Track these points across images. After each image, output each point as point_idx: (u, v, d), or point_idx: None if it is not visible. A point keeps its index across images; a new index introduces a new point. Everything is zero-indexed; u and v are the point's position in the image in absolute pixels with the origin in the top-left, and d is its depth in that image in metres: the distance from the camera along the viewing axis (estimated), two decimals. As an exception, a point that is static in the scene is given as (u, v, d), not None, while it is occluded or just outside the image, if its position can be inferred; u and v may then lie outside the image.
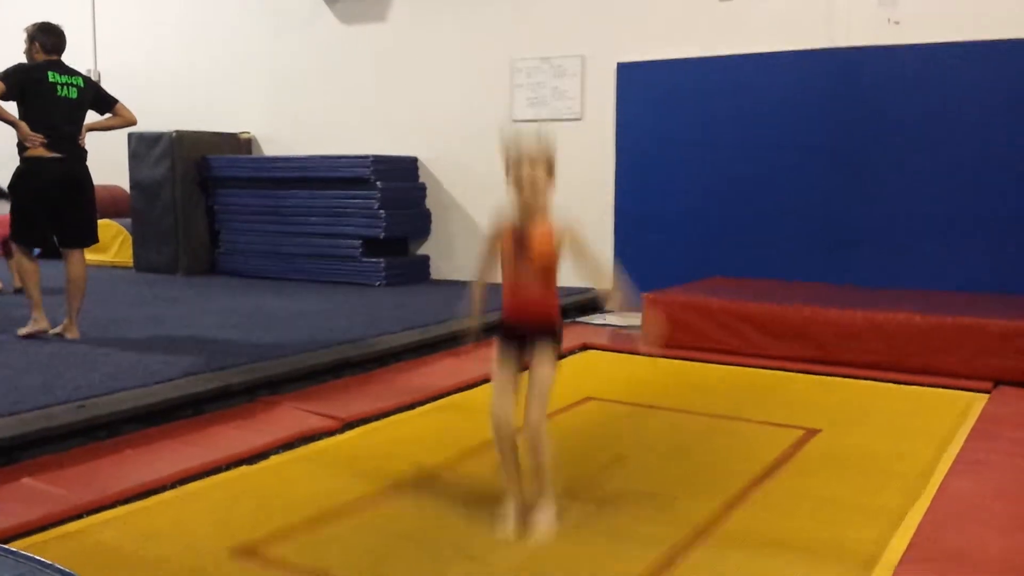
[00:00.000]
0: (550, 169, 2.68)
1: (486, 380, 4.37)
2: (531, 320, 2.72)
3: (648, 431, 3.75)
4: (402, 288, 7.02)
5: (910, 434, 3.63)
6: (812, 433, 3.61)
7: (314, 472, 3.18)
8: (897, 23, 5.78)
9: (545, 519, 2.66)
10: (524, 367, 2.75)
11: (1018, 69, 5.45)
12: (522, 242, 2.64)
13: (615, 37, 6.72)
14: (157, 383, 3.73)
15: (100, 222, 8.59)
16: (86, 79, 4.98)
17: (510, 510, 2.69)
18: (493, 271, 2.80)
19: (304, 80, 8.29)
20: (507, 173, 2.64)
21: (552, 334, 2.74)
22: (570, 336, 5.61)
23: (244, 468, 3.17)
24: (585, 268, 2.74)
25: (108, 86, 9.95)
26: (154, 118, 8.64)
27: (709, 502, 2.87)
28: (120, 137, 8.22)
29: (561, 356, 2.83)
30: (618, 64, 6.68)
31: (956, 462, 3.19)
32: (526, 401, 2.69)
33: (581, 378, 4.64)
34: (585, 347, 5.34)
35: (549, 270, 2.68)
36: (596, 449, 3.47)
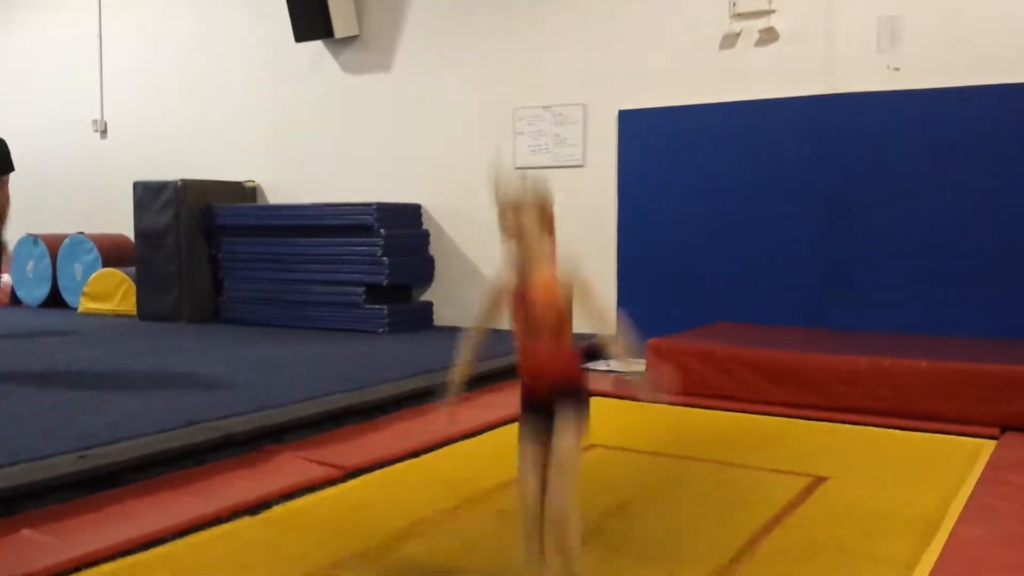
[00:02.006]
0: (544, 216, 2.50)
1: (489, 428, 4.39)
2: (548, 382, 2.53)
3: (654, 479, 3.72)
4: (405, 335, 7.01)
5: (918, 481, 3.59)
6: (820, 481, 3.58)
7: (316, 522, 3.14)
8: (897, 69, 5.85)
9: None
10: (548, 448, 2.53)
11: (1017, 113, 5.49)
12: (525, 297, 2.50)
13: (616, 85, 6.80)
14: (159, 432, 3.71)
15: (104, 270, 8.69)
16: None
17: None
18: (491, 323, 2.65)
19: (308, 129, 8.38)
20: (499, 224, 2.49)
21: (574, 398, 2.53)
22: (574, 383, 5.58)
23: (246, 519, 3.14)
24: (589, 314, 2.55)
25: (115, 136, 9.98)
26: (160, 167, 8.77)
27: (718, 550, 2.83)
28: (126, 186, 8.31)
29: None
30: (619, 111, 6.75)
31: (965, 509, 3.15)
32: (547, 480, 2.48)
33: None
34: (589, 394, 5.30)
35: (558, 323, 2.51)
36: (602, 496, 3.43)
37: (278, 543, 2.94)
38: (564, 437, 2.50)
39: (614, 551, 2.85)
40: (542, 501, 2.50)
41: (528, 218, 2.46)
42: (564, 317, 2.49)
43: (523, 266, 2.46)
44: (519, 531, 2.55)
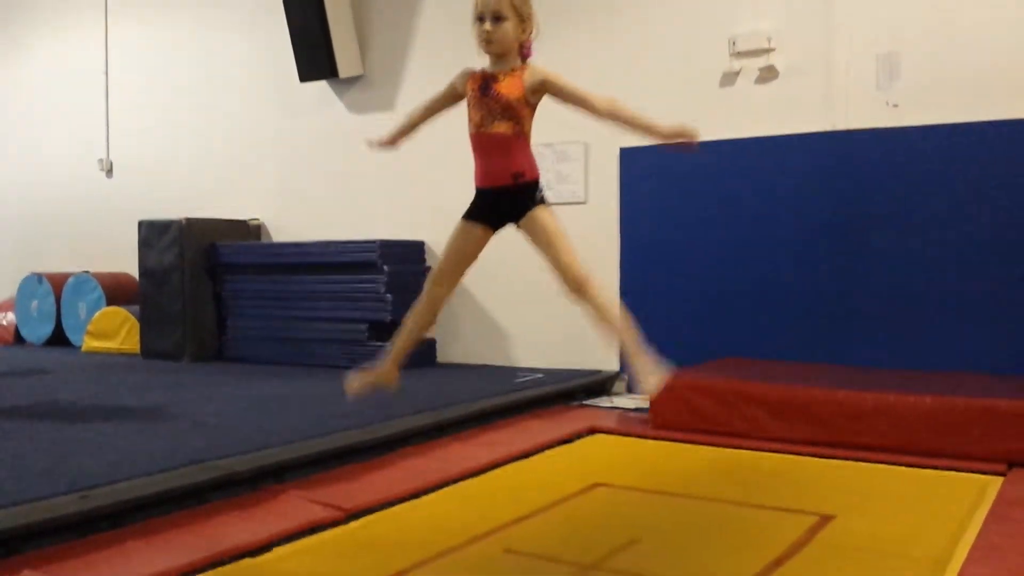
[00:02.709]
0: (520, 15, 2.62)
1: (496, 466, 4.37)
2: (505, 174, 2.59)
3: (660, 517, 3.69)
4: (408, 372, 6.93)
5: (925, 518, 3.56)
6: (826, 519, 3.55)
7: (317, 565, 3.12)
8: (896, 106, 5.89)
9: (652, 380, 2.60)
10: (485, 243, 2.64)
11: (1018, 148, 5.52)
12: (488, 85, 2.56)
13: (617, 123, 6.83)
14: (161, 472, 3.69)
15: (108, 309, 8.70)
16: None
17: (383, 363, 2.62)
18: (437, 110, 2.75)
19: (313, 167, 8.44)
20: (475, 23, 2.64)
21: (532, 195, 2.60)
22: (576, 420, 5.57)
23: (247, 560, 3.12)
24: (572, 100, 2.64)
25: (120, 175, 10.10)
26: (165, 206, 8.82)
27: (722, 592, 2.80)
28: (131, 225, 8.36)
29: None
30: (621, 149, 6.79)
31: (973, 548, 3.11)
32: (549, 257, 2.57)
33: (588, 463, 4.59)
34: (592, 431, 5.29)
35: (518, 116, 2.57)
36: (608, 534, 3.41)
37: (279, 585, 2.91)
38: (540, 217, 2.64)
39: (619, 592, 2.82)
40: (451, 275, 2.60)
41: (502, 20, 2.56)
42: (525, 110, 2.57)
43: (495, 66, 2.56)
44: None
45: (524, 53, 2.87)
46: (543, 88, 2.57)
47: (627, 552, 3.21)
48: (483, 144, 2.61)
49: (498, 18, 2.69)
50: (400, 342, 2.89)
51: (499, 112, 2.59)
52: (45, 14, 10.39)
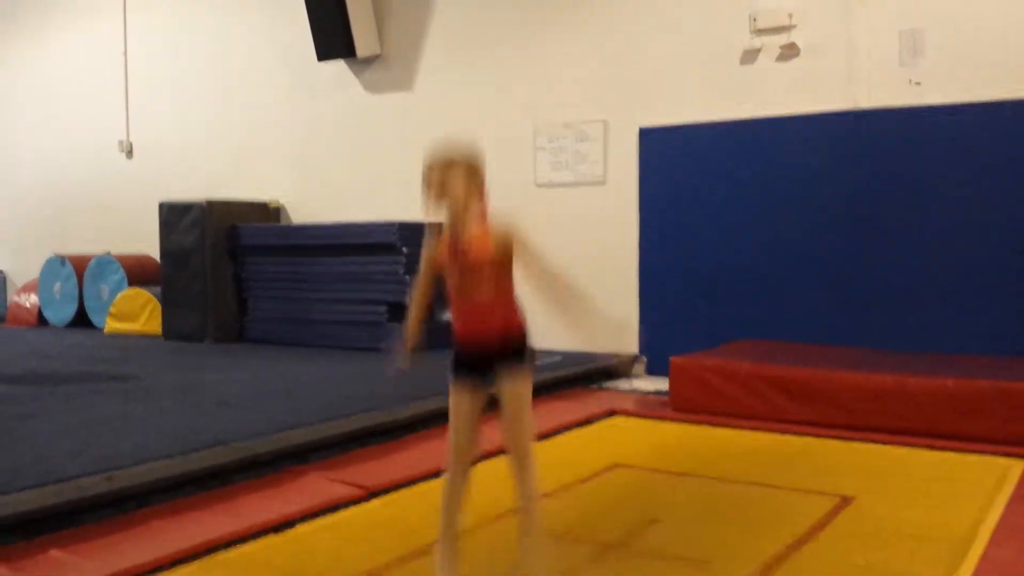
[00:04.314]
0: (471, 174, 2.51)
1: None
2: (489, 337, 2.51)
3: (678, 498, 3.70)
4: (427, 353, 7.00)
5: (946, 501, 3.55)
6: (846, 501, 3.54)
7: (339, 542, 3.15)
8: (918, 84, 5.82)
9: (539, 563, 2.52)
10: (486, 402, 2.58)
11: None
12: (457, 250, 2.48)
13: (636, 103, 6.81)
14: (185, 453, 3.73)
15: (130, 290, 8.78)
16: None
17: (448, 553, 2.60)
18: (430, 292, 2.67)
19: (332, 148, 8.44)
20: (425, 188, 2.50)
21: (519, 353, 2.52)
22: (596, 402, 5.58)
23: (270, 538, 3.16)
24: (531, 271, 2.48)
25: (141, 157, 10.16)
26: (185, 187, 8.87)
27: (745, 568, 2.81)
28: (152, 206, 8.41)
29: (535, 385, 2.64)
30: (640, 129, 6.75)
31: (997, 530, 3.11)
32: (504, 426, 2.51)
33: (608, 445, 4.59)
34: (612, 412, 5.30)
35: (496, 275, 2.47)
36: (627, 514, 3.42)
37: (302, 562, 2.95)
38: (515, 384, 2.54)
39: (642, 565, 2.83)
40: (469, 452, 2.57)
41: (454, 175, 2.48)
42: (502, 270, 2.48)
43: (454, 223, 2.47)
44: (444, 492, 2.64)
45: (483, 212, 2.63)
46: (513, 247, 2.43)
47: (647, 532, 3.22)
48: (464, 309, 2.51)
49: (450, 170, 2.52)
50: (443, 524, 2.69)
51: (477, 278, 2.48)
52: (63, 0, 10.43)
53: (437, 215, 2.53)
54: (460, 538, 2.67)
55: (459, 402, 2.63)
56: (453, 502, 2.66)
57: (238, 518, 3.26)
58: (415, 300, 2.75)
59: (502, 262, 2.49)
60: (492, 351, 2.55)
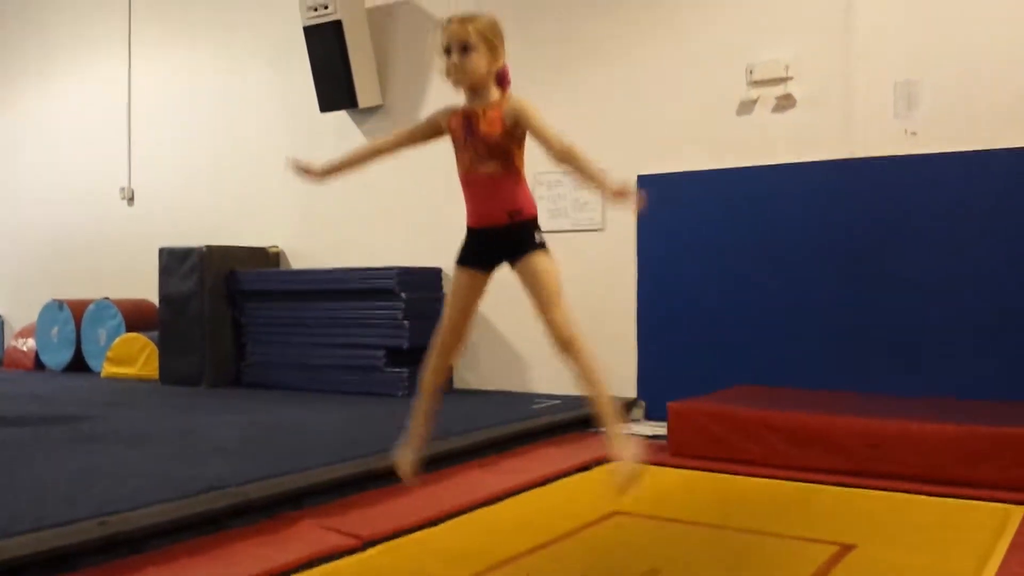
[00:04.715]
0: (490, 47, 2.50)
1: (513, 493, 4.35)
2: (498, 214, 2.49)
3: (679, 546, 3.66)
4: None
5: (948, 548, 3.52)
6: (847, 549, 3.51)
7: (336, 591, 3.11)
8: (914, 134, 5.89)
9: (626, 453, 2.47)
10: (483, 290, 2.59)
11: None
12: (471, 125, 2.48)
13: (635, 150, 6.87)
14: (180, 498, 3.70)
15: (127, 335, 8.77)
16: None
17: (409, 451, 2.59)
18: (410, 143, 2.66)
19: (331, 195, 8.47)
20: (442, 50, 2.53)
21: (532, 226, 2.49)
22: (594, 447, 5.54)
23: (265, 586, 3.12)
24: (547, 144, 2.45)
25: (142, 203, 10.23)
26: (185, 233, 8.91)
27: (742, 622, 2.77)
28: (151, 252, 8.44)
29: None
30: (638, 176, 6.81)
31: (998, 578, 3.08)
32: (539, 309, 2.45)
33: (607, 491, 4.55)
34: (609, 459, 5.25)
35: (506, 153, 2.46)
36: (627, 564, 3.38)
37: (297, 612, 2.91)
38: (536, 260, 2.51)
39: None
40: (454, 333, 2.55)
41: (471, 51, 2.49)
42: (513, 144, 2.47)
43: (471, 101, 2.47)
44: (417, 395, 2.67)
45: (502, 82, 2.71)
46: (520, 120, 2.46)
47: (646, 581, 3.19)
48: (474, 186, 2.52)
49: (465, 48, 2.56)
50: (416, 422, 2.73)
51: (486, 153, 2.48)
52: (68, 44, 10.57)
53: (451, 85, 2.51)
54: (429, 421, 2.64)
55: (458, 282, 2.63)
56: (428, 383, 2.63)
57: (231, 567, 3.22)
58: (385, 138, 2.78)
59: (513, 136, 2.48)
60: (500, 229, 2.51)
